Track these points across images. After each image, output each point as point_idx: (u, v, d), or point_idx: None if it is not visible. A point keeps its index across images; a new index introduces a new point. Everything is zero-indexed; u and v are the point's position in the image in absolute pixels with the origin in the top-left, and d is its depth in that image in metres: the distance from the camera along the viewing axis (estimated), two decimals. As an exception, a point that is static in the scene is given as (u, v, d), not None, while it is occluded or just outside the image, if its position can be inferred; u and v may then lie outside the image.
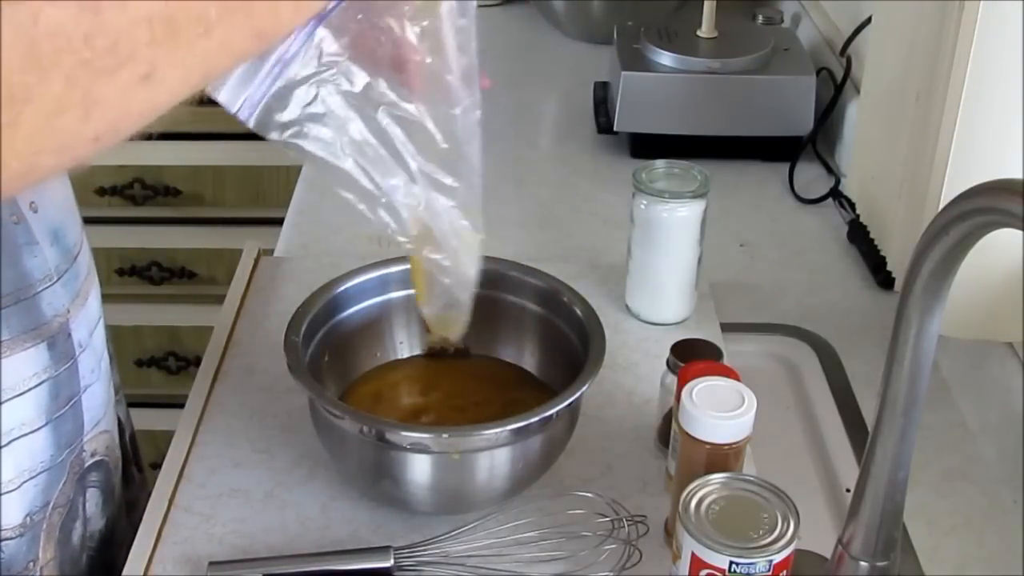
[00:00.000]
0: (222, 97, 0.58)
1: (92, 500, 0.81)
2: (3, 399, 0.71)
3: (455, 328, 0.80)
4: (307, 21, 0.56)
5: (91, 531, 0.82)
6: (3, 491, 0.73)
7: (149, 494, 0.86)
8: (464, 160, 0.67)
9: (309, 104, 0.62)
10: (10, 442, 0.72)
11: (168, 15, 0.46)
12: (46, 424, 0.74)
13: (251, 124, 0.60)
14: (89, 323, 0.78)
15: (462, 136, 0.65)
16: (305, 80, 0.61)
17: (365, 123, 0.63)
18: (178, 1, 0.46)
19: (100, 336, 0.81)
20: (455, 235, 0.69)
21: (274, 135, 0.61)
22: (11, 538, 0.74)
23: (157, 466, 0.88)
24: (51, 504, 0.76)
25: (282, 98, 0.61)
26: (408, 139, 0.64)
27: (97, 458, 0.81)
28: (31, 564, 0.75)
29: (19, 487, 0.73)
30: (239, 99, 0.59)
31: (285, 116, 0.61)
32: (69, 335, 0.75)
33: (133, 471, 0.91)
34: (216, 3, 0.48)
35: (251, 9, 0.50)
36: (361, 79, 0.62)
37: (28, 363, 0.72)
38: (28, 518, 0.75)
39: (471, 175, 0.68)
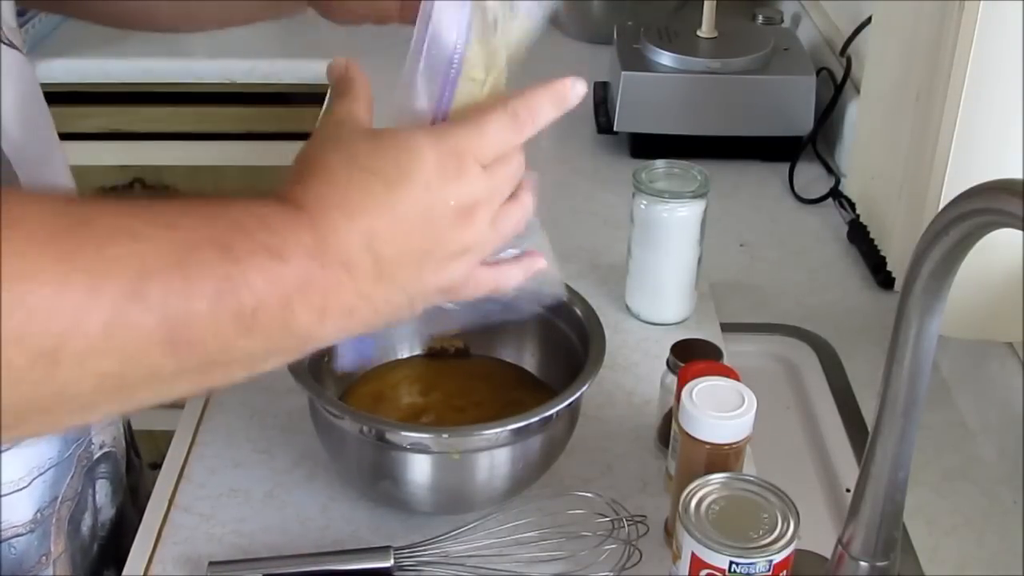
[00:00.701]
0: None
1: (102, 491, 0.82)
2: None
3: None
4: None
5: (101, 521, 0.83)
6: (13, 490, 0.73)
7: (151, 485, 0.86)
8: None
9: None
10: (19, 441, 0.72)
11: (120, 373, 0.47)
12: None
13: None
14: None
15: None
16: None
17: None
18: (133, 358, 0.48)
19: None
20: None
21: None
22: (22, 534, 0.74)
23: (157, 466, 0.88)
24: (59, 498, 0.77)
25: None
26: None
27: (105, 449, 0.82)
28: (43, 558, 0.76)
29: (29, 484, 0.74)
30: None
31: None
32: None
33: (133, 457, 0.91)
34: (173, 360, 0.49)
35: (227, 367, 0.52)
36: None
37: None
38: (38, 513, 0.75)
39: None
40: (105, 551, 0.83)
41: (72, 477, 0.77)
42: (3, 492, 0.73)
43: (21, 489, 0.73)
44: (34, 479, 0.74)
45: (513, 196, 0.61)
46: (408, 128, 0.58)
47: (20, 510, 0.74)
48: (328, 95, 0.60)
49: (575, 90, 0.62)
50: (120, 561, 0.81)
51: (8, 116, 0.67)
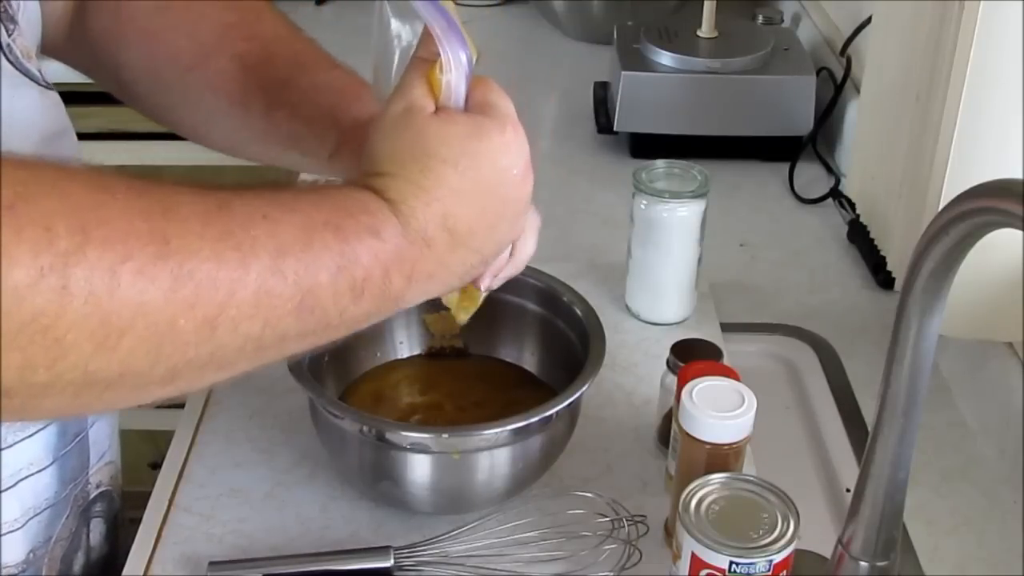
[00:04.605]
0: None
1: (96, 530, 0.81)
2: (13, 441, 0.70)
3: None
4: None
5: (94, 560, 0.82)
6: (8, 530, 0.72)
7: (137, 519, 0.84)
8: None
9: None
10: (17, 482, 0.71)
11: (260, 336, 0.55)
12: (52, 462, 0.74)
13: None
14: None
15: None
16: None
17: None
18: (271, 324, 0.55)
19: None
20: None
21: None
22: (14, 575, 0.73)
23: (157, 466, 0.88)
24: (53, 538, 0.76)
25: None
26: None
27: (102, 489, 0.81)
28: None
29: (24, 525, 0.73)
30: None
31: None
32: None
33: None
34: (300, 324, 0.56)
35: (338, 330, 0.59)
36: None
37: None
38: (31, 554, 0.74)
39: None
40: None
41: (67, 517, 0.77)
42: None
43: (16, 530, 0.72)
44: (29, 519, 0.73)
45: None
46: (470, 114, 0.63)
47: (14, 550, 0.73)
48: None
49: None
50: None
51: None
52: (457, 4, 0.63)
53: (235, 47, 0.78)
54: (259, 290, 0.53)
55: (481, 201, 0.62)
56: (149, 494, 0.85)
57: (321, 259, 0.56)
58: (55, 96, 0.71)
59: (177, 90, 0.80)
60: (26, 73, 0.67)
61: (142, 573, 0.79)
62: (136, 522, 0.84)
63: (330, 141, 0.75)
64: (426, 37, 0.64)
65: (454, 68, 0.62)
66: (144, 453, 0.99)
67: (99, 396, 0.52)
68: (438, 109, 0.62)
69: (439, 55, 0.62)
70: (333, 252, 0.56)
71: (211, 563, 0.78)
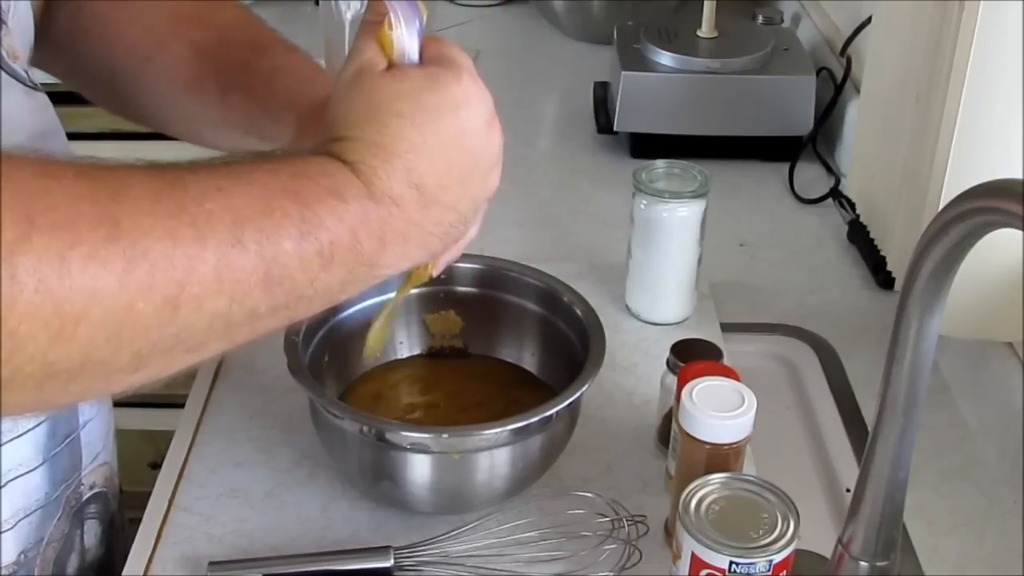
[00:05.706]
0: None
1: (91, 531, 0.81)
2: (2, 442, 0.70)
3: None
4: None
5: (89, 561, 0.81)
6: None
7: (137, 520, 0.84)
8: None
9: None
10: (7, 483, 0.71)
11: (227, 313, 0.54)
12: (43, 463, 0.73)
13: None
14: None
15: None
16: None
17: None
18: (237, 299, 0.54)
19: None
20: None
21: None
22: None
23: (157, 466, 0.88)
24: (45, 540, 0.75)
25: None
26: None
27: (96, 490, 0.80)
28: None
29: (14, 526, 0.72)
30: None
31: None
32: None
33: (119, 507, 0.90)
34: (268, 298, 0.55)
35: (311, 301, 0.58)
36: None
37: None
38: (22, 555, 0.74)
39: None
40: None
41: (59, 519, 0.76)
42: None
43: (6, 531, 0.72)
44: (19, 521, 0.73)
45: None
46: (423, 67, 0.62)
47: (4, 552, 0.72)
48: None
49: None
50: None
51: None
52: (457, 4, 0.63)
53: (191, 34, 0.78)
54: (220, 264, 0.52)
55: (446, 154, 0.60)
56: (149, 494, 0.85)
57: (282, 226, 0.54)
58: (42, 97, 0.71)
59: (136, 81, 0.80)
60: (12, 73, 0.67)
61: (142, 573, 0.79)
62: (136, 522, 0.84)
63: (287, 125, 0.74)
64: (373, 2, 0.63)
65: (403, 22, 0.61)
66: (144, 453, 0.99)
67: (64, 388, 0.51)
68: (391, 66, 0.61)
69: (388, 14, 0.61)
70: (294, 218, 0.54)
71: (211, 563, 0.78)
